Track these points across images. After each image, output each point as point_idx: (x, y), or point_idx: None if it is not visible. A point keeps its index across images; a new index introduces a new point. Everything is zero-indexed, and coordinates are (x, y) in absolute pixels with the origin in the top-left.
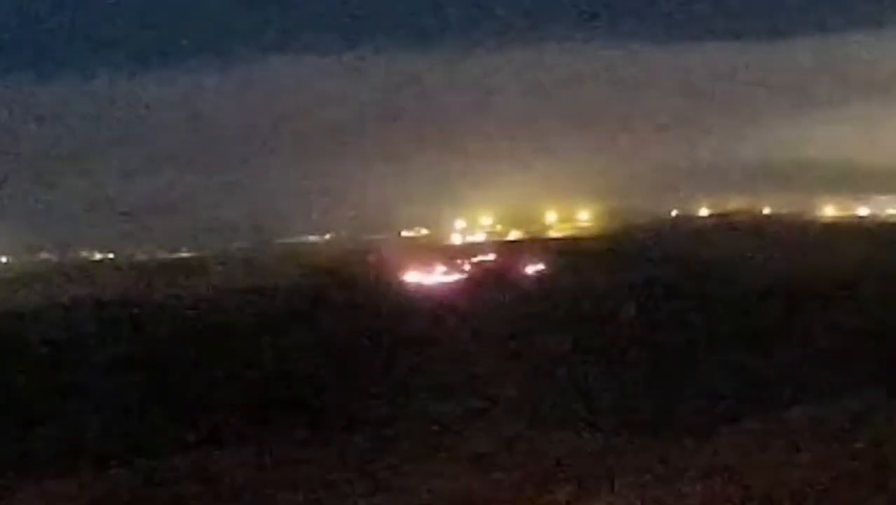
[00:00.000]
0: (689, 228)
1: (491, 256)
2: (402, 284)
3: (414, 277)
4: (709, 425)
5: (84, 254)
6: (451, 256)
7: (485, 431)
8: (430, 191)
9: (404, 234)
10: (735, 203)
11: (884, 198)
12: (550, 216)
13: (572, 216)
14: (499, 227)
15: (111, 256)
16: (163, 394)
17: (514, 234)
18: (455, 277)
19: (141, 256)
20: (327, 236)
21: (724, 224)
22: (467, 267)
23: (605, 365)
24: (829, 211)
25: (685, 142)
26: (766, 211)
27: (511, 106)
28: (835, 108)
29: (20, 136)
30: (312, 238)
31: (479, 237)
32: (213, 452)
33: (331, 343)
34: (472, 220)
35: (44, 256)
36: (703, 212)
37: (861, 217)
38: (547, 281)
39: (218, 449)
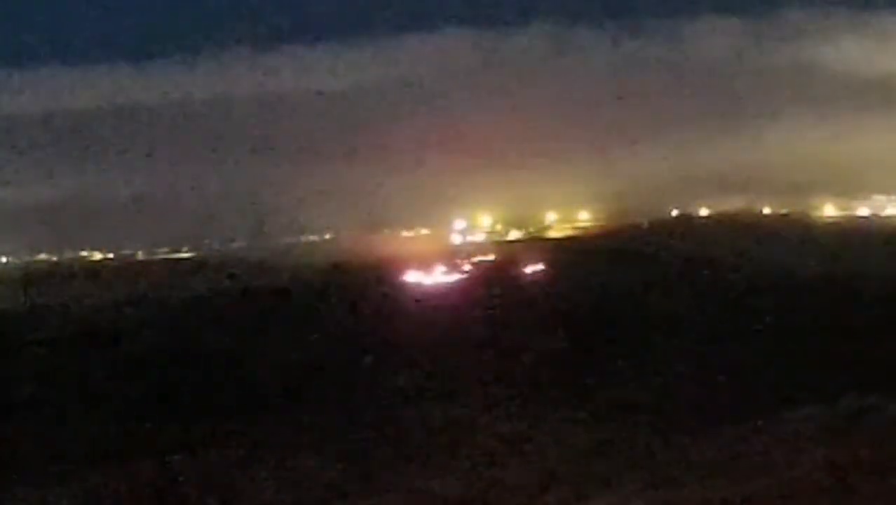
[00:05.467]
0: (689, 228)
1: (491, 256)
2: (402, 283)
3: (414, 276)
4: (709, 425)
5: (84, 254)
6: (451, 256)
7: (485, 431)
8: (430, 191)
9: (404, 234)
10: (735, 203)
11: (884, 198)
12: (550, 216)
13: (572, 216)
14: (499, 227)
15: (111, 255)
16: (163, 394)
17: (514, 235)
18: (455, 277)
19: (141, 256)
20: (327, 236)
21: (724, 224)
22: (467, 267)
23: (605, 364)
24: (829, 211)
25: (685, 142)
26: (766, 211)
27: (511, 106)
28: (834, 108)
29: (20, 135)
30: (312, 238)
31: (479, 237)
32: (213, 452)
33: (331, 343)
34: (472, 220)
35: (44, 256)
36: (703, 212)
37: (861, 217)
38: (547, 281)
39: (218, 449)
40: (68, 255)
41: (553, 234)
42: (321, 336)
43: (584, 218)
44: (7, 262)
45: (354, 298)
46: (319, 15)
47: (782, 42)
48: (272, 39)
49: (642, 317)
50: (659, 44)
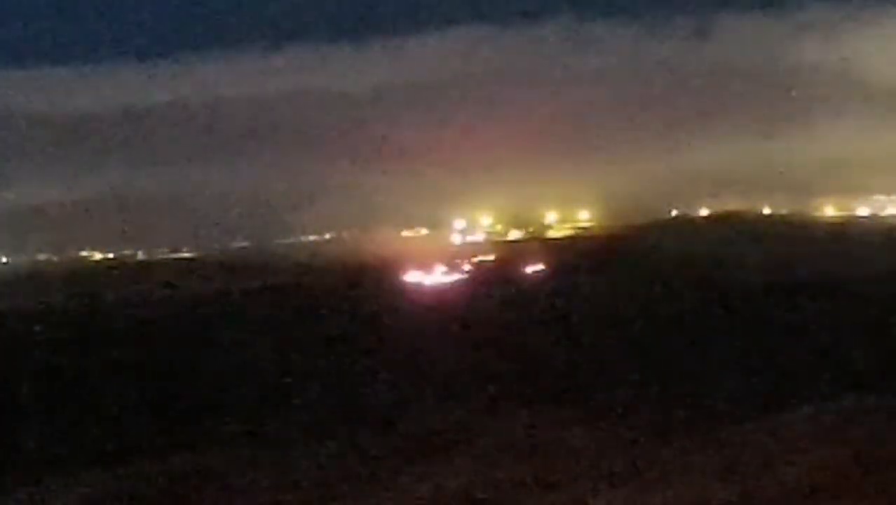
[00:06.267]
0: (689, 228)
1: (491, 256)
2: (402, 283)
3: (414, 276)
4: (709, 425)
5: (84, 254)
6: (451, 256)
7: (485, 430)
8: (430, 191)
9: (404, 234)
10: (735, 203)
11: (884, 198)
12: (550, 216)
13: (572, 216)
14: (499, 228)
15: (111, 255)
16: (163, 394)
17: (514, 234)
18: (455, 276)
19: (141, 256)
20: (327, 236)
21: (724, 224)
22: (467, 267)
23: (605, 364)
24: (829, 211)
25: (686, 142)
26: (766, 211)
27: (512, 106)
28: (835, 109)
29: (19, 136)
30: (312, 238)
31: (479, 237)
32: (213, 452)
33: (331, 343)
34: (472, 220)
35: (44, 256)
36: (703, 212)
37: (861, 217)
38: (547, 281)
39: (218, 449)
40: (68, 255)
41: (553, 234)
42: (321, 336)
43: (584, 218)
44: (7, 262)
45: (354, 298)
46: (319, 15)
47: (786, 43)
48: (274, 40)
49: (642, 317)
50: (662, 45)
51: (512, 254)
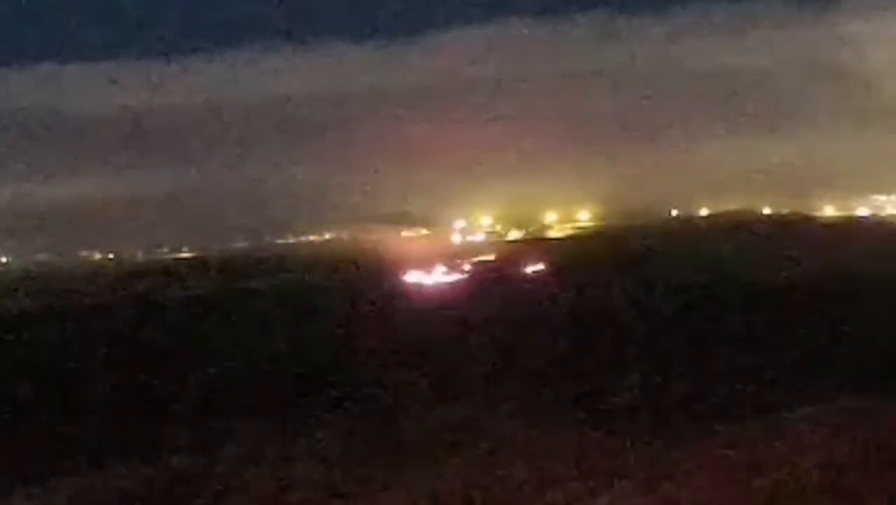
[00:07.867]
0: (689, 228)
1: (491, 256)
2: (402, 283)
3: (414, 276)
4: (709, 425)
5: (84, 254)
6: (451, 256)
7: (485, 430)
8: (430, 191)
9: (404, 234)
10: (735, 203)
11: (884, 198)
12: (550, 216)
13: (572, 216)
14: (499, 228)
15: (111, 256)
16: (163, 393)
17: (514, 235)
18: (455, 276)
19: (141, 256)
20: (327, 236)
21: (724, 224)
22: (467, 267)
23: (605, 364)
24: (829, 211)
25: (686, 142)
26: (766, 211)
27: (512, 106)
28: (835, 109)
29: (19, 136)
30: (312, 238)
31: (479, 237)
32: (213, 453)
33: (331, 343)
34: (472, 220)
35: (44, 256)
36: (703, 212)
37: (861, 217)
38: (547, 281)
39: (217, 449)
40: (68, 255)
41: (553, 234)
42: (321, 336)
43: (584, 218)
44: (7, 262)
45: (354, 297)
46: (319, 15)
47: (790, 43)
48: (274, 40)
49: (642, 317)
50: (659, 46)
51: (512, 254)
